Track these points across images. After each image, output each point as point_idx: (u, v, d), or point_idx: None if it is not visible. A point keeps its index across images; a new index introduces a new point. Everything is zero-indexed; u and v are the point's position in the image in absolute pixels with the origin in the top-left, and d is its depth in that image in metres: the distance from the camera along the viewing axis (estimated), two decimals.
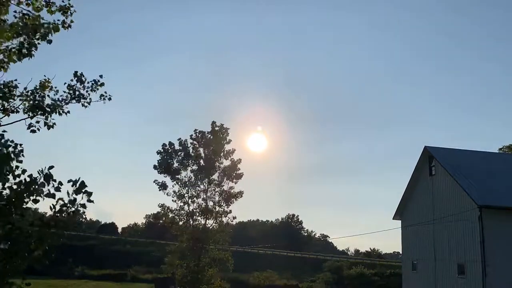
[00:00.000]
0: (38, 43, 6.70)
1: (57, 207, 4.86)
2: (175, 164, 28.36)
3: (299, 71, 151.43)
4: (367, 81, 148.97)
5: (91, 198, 4.98)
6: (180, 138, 28.73)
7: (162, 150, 28.53)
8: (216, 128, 28.53)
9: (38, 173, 4.71)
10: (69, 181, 4.75)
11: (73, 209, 4.93)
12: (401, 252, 35.68)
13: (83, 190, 4.83)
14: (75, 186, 4.76)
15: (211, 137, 28.34)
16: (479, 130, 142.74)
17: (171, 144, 28.62)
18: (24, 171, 4.85)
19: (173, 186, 28.20)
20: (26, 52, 6.57)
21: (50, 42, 6.56)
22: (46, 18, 7.16)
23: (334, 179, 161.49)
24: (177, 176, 28.30)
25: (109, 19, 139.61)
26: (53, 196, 4.77)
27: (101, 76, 8.94)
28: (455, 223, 25.75)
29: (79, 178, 4.76)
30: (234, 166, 28.22)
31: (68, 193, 4.75)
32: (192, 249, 27.46)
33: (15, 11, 6.76)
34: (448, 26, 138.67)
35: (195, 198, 28.18)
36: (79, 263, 54.66)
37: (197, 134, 28.62)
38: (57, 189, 4.77)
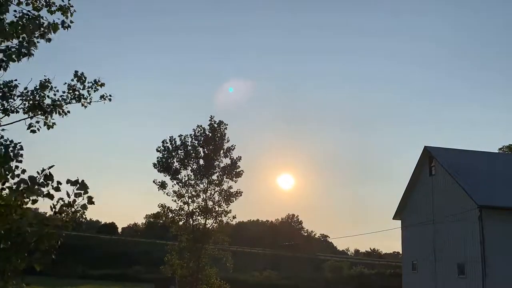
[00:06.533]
0: (38, 41, 6.70)
1: (57, 207, 4.85)
2: (175, 164, 28.29)
3: (292, 75, 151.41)
4: (366, 80, 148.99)
5: (92, 200, 4.99)
6: (181, 135, 28.58)
7: (162, 148, 28.41)
8: (215, 125, 28.41)
9: (38, 173, 4.70)
10: (68, 182, 4.73)
11: (73, 209, 4.93)
12: (401, 252, 35.72)
13: (84, 192, 4.81)
14: (75, 186, 4.74)
15: (210, 134, 28.23)
16: (479, 130, 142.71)
17: (171, 139, 28.33)
18: (23, 171, 4.85)
19: (173, 186, 28.19)
20: (25, 52, 6.57)
21: (49, 40, 6.57)
22: (46, 17, 7.19)
23: (334, 178, 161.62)
24: (177, 176, 28.25)
25: (111, 16, 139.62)
26: (52, 196, 4.76)
27: (99, 80, 8.94)
28: (455, 223, 25.77)
29: (81, 181, 4.74)
30: (234, 164, 28.17)
31: (68, 193, 4.74)
32: (191, 249, 27.45)
33: (15, 11, 6.79)
34: (447, 26, 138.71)
35: (194, 198, 28.17)
36: (79, 263, 54.67)
37: (199, 130, 28.40)
38: (57, 189, 4.76)
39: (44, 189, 4.76)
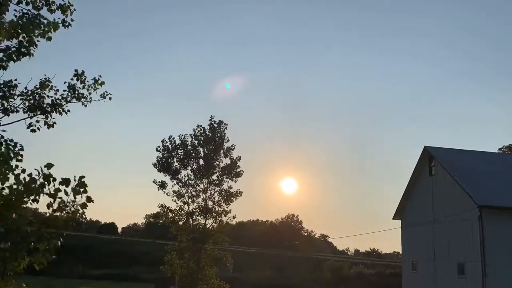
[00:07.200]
0: (38, 41, 6.69)
1: (55, 205, 4.83)
2: (175, 164, 28.24)
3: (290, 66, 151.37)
4: (366, 80, 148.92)
5: (91, 199, 4.97)
6: (181, 134, 28.51)
7: (161, 147, 28.34)
8: (215, 125, 28.34)
9: (37, 171, 4.68)
10: (61, 183, 4.66)
11: (73, 209, 4.91)
12: (401, 252, 35.72)
13: (83, 190, 4.79)
14: (74, 182, 4.71)
15: (210, 134, 28.17)
16: (479, 130, 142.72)
17: (171, 139, 28.26)
18: (23, 171, 4.84)
19: (172, 186, 28.15)
20: (25, 51, 6.55)
21: (49, 39, 6.55)
22: (46, 17, 7.18)
23: (334, 178, 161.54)
24: (177, 176, 28.20)
25: (112, 15, 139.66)
26: (52, 196, 4.75)
27: (99, 79, 8.92)
28: (455, 223, 25.76)
29: (80, 177, 4.72)
30: (234, 164, 28.12)
31: (65, 191, 4.71)
32: (191, 249, 27.43)
33: (15, 10, 6.78)
34: (447, 25, 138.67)
35: (194, 198, 28.14)
36: (79, 263, 54.65)
37: (199, 130, 28.32)
38: (57, 190, 4.74)
39: (45, 189, 4.74)
